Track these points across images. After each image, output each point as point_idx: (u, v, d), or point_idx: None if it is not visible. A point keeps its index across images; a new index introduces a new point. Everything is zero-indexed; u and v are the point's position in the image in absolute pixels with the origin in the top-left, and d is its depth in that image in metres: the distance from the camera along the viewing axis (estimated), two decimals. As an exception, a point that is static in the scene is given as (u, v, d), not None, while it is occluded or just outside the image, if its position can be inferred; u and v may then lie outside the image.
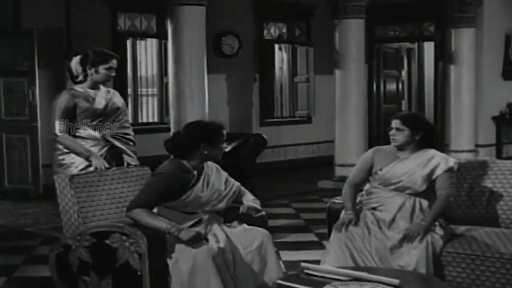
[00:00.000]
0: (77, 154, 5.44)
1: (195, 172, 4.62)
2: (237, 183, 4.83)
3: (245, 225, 4.71)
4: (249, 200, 4.78)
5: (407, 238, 4.71)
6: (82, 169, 5.31)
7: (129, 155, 5.64)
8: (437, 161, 4.95)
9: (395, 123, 5.01)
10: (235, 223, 4.73)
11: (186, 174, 4.57)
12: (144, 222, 4.40)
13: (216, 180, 4.69)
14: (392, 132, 5.01)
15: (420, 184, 4.92)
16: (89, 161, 5.40)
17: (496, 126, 13.19)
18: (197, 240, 4.29)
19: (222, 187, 4.71)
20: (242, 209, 4.70)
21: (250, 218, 4.73)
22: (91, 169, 5.33)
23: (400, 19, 14.01)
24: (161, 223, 4.38)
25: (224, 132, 4.68)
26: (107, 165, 5.35)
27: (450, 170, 4.94)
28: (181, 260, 4.30)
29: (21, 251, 7.05)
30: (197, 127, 4.69)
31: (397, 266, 4.64)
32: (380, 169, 5.03)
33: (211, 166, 4.75)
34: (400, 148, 5.03)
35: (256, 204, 4.74)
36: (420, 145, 5.03)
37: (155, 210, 4.54)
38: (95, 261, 4.49)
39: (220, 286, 4.24)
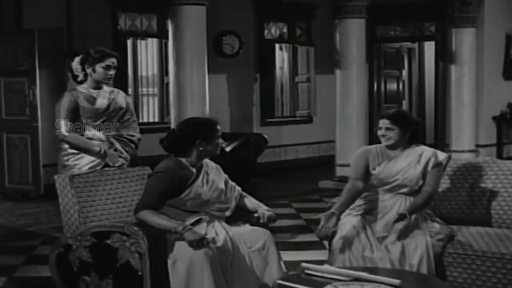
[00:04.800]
0: (88, 152, 5.43)
1: (194, 170, 4.61)
2: (238, 187, 4.82)
3: (247, 225, 4.71)
4: (261, 207, 4.74)
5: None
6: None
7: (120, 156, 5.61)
8: (428, 155, 4.94)
9: (384, 123, 4.95)
10: (238, 223, 4.72)
11: (184, 170, 4.57)
12: (152, 223, 4.39)
13: (216, 178, 4.68)
14: (382, 132, 4.95)
15: (417, 180, 4.90)
16: (102, 157, 5.41)
17: (497, 126, 13.18)
18: (199, 245, 4.27)
19: (222, 185, 4.70)
20: (262, 220, 4.65)
21: (257, 220, 4.71)
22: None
23: (401, 19, 14.00)
24: (169, 223, 4.37)
25: (219, 127, 4.67)
26: (120, 162, 5.38)
27: (439, 165, 4.94)
28: (179, 260, 4.30)
29: (21, 251, 7.05)
30: (191, 124, 4.69)
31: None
32: (373, 169, 5.00)
33: (210, 165, 4.74)
34: (390, 147, 4.99)
35: (271, 212, 4.71)
36: (409, 142, 5.01)
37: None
38: (95, 261, 4.49)
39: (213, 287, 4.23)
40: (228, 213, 4.71)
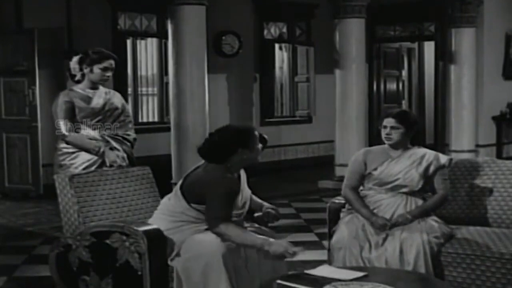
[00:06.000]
0: (88, 151, 5.44)
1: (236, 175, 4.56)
2: (249, 190, 4.78)
3: (255, 225, 4.68)
4: (265, 205, 4.70)
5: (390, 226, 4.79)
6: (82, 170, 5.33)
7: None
8: (429, 158, 4.97)
9: (390, 121, 4.96)
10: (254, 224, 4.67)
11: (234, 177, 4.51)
12: (237, 238, 4.27)
13: (244, 185, 4.62)
14: (387, 131, 4.97)
15: (417, 181, 4.92)
16: (101, 156, 5.41)
17: (497, 126, 13.17)
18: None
19: (248, 194, 4.63)
20: (265, 218, 4.62)
21: (266, 221, 4.69)
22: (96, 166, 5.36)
23: (401, 18, 14.00)
24: (256, 239, 4.29)
25: (257, 133, 4.58)
26: (120, 161, 5.38)
27: (442, 167, 4.97)
28: (193, 259, 4.23)
29: (21, 251, 7.06)
30: (231, 131, 4.54)
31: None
32: (375, 169, 5.01)
33: (242, 172, 4.67)
34: (394, 146, 5.01)
35: (275, 211, 4.67)
36: (412, 143, 5.04)
37: (180, 209, 4.41)
38: (95, 261, 4.49)
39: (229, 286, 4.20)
40: (242, 217, 4.65)
